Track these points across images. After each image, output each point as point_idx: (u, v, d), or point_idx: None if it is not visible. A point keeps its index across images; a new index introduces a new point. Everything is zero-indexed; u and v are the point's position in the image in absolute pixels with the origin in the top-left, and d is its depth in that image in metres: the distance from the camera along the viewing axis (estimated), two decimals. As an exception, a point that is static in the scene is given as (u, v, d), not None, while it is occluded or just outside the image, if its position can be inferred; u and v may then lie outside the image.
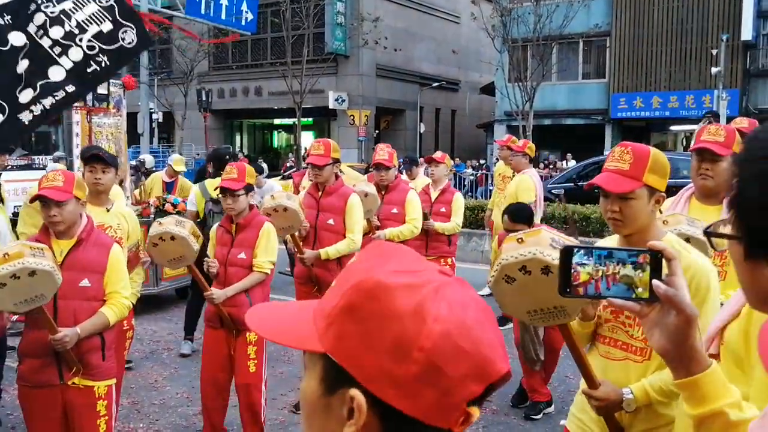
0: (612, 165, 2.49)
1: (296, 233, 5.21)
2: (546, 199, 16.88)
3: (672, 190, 3.02)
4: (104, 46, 4.56)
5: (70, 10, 4.52)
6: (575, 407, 2.80)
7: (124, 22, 4.59)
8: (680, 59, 25.34)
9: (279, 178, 10.31)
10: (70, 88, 4.50)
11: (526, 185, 7.49)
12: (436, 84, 33.40)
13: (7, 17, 4.42)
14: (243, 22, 22.38)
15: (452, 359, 0.82)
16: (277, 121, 38.67)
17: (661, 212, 2.69)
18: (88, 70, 4.54)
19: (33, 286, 3.13)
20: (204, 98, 26.72)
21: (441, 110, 36.43)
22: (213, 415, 4.72)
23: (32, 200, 3.49)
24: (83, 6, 4.57)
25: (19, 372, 3.58)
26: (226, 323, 4.57)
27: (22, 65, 4.43)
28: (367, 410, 0.83)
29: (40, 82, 4.43)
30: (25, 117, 4.41)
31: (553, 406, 5.56)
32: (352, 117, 29.48)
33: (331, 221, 5.32)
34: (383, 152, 6.19)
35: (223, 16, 20.93)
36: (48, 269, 3.15)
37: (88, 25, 4.55)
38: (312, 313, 0.92)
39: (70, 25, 4.50)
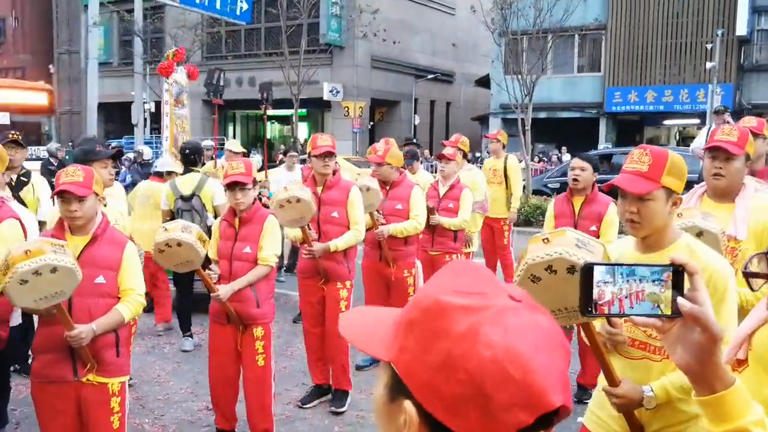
0: (631, 167, 2.52)
1: (306, 226, 5.23)
2: (542, 192, 16.99)
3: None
4: None
5: None
6: (593, 404, 2.84)
7: None
8: (675, 54, 25.40)
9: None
10: None
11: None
12: (431, 76, 33.34)
13: None
14: (238, 12, 22.27)
15: (498, 385, 0.83)
16: (270, 112, 38.51)
17: (679, 215, 2.72)
18: None
19: (54, 282, 3.12)
20: (214, 81, 25.92)
21: (436, 102, 36.38)
22: (224, 407, 4.77)
23: (53, 195, 3.48)
24: None
25: (33, 368, 3.57)
26: (233, 319, 4.57)
27: None
28: (419, 423, 0.87)
29: None
30: None
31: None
32: (346, 108, 29.41)
33: (335, 214, 5.35)
34: (379, 149, 6.31)
35: (218, 6, 20.85)
36: (69, 266, 3.14)
37: None
38: (392, 322, 0.96)
39: None
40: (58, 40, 39.91)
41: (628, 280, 1.19)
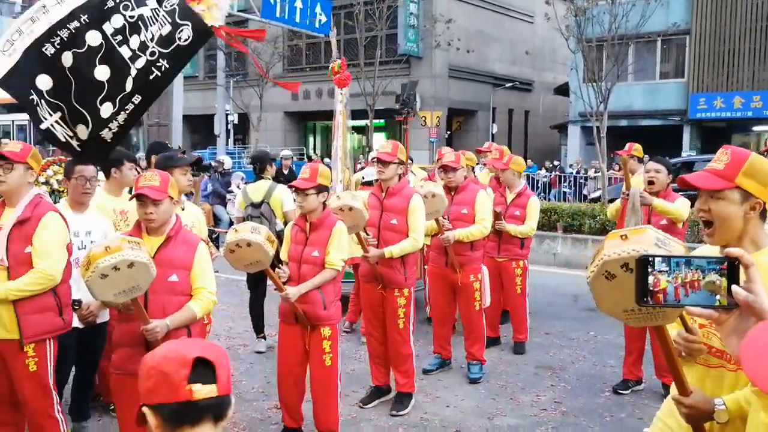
0: (710, 165, 2.49)
1: (362, 232, 5.36)
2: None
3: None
4: (163, 50, 4.26)
5: (148, 18, 4.25)
6: (662, 412, 2.76)
7: (180, 22, 4.28)
8: (764, 57, 24.49)
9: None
10: (137, 99, 4.26)
11: None
12: (509, 84, 33.14)
13: (84, 17, 4.16)
14: (317, 25, 22.70)
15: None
16: (349, 123, 38.97)
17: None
18: (150, 78, 4.26)
19: (131, 277, 3.36)
20: (411, 91, 23.63)
21: (514, 111, 36.11)
22: (291, 405, 4.94)
23: (131, 198, 3.74)
24: (157, 15, 4.26)
25: (113, 360, 3.83)
26: (301, 320, 4.74)
27: (102, 71, 4.17)
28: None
29: (119, 96, 4.21)
30: (107, 134, 4.25)
31: (631, 407, 5.55)
32: (423, 118, 29.54)
33: (394, 221, 5.45)
34: (450, 154, 6.35)
35: (298, 19, 21.32)
36: (145, 261, 3.38)
37: (155, 32, 4.27)
38: None
39: (145, 35, 4.24)
40: (148, 55, 41.61)
41: (683, 270, 1.22)
